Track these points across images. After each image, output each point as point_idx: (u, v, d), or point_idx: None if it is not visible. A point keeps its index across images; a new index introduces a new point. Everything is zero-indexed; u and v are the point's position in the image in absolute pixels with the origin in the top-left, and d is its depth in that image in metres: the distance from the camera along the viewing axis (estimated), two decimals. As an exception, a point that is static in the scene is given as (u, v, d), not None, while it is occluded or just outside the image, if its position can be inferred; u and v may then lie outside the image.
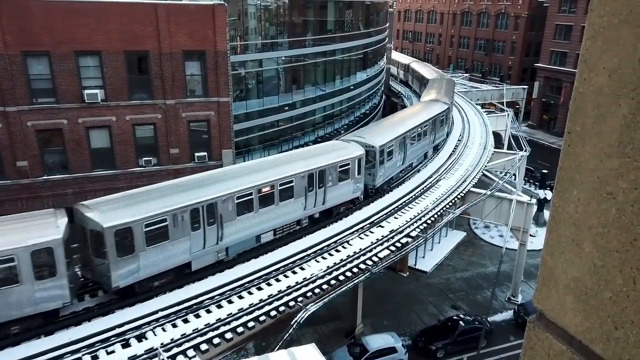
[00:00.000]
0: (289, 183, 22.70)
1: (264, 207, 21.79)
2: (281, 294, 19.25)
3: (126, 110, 25.99)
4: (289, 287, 19.69)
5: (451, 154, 36.97)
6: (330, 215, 25.53)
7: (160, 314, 17.59)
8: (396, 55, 77.08)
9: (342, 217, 25.69)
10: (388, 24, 61.67)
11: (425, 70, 59.74)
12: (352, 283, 21.18)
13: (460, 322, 27.07)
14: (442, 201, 28.41)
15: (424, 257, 35.37)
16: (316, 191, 24.16)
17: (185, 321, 17.45)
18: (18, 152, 24.22)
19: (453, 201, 28.97)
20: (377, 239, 23.71)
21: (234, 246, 21.16)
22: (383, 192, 29.23)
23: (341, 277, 20.84)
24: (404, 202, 28.02)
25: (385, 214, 26.43)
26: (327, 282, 20.36)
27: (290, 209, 23.05)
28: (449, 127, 40.84)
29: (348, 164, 25.44)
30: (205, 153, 28.10)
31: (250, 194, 21.08)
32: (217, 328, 17.20)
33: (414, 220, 25.86)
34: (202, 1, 28.15)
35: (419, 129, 32.99)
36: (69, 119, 24.88)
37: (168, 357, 15.54)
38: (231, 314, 17.94)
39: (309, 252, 22.36)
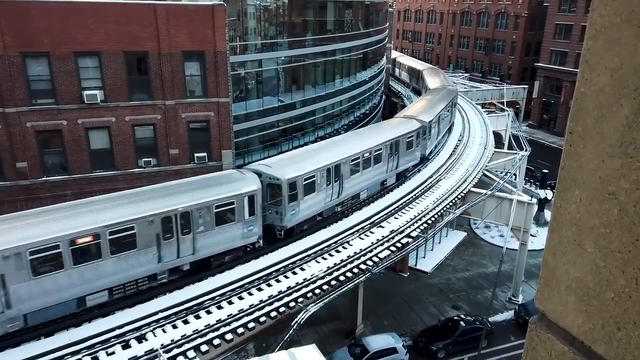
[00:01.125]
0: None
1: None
2: (281, 295, 19.25)
3: (126, 111, 25.98)
4: (289, 288, 19.69)
5: (451, 154, 36.98)
6: (207, 268, 20.63)
7: (161, 314, 17.59)
8: (406, 60, 69.87)
9: (223, 270, 20.64)
10: (388, 24, 61.67)
11: (433, 80, 52.11)
12: (353, 283, 21.19)
13: (461, 323, 27.07)
14: (442, 201, 28.41)
15: (424, 257, 35.38)
16: (178, 239, 19.18)
17: (186, 322, 17.46)
18: (17, 153, 24.22)
19: (453, 201, 28.97)
20: (378, 239, 23.70)
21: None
22: (383, 193, 29.20)
23: (341, 278, 20.85)
24: (404, 202, 28.02)
25: (386, 214, 26.43)
26: (328, 283, 20.36)
27: (130, 264, 18.18)
28: (425, 148, 33.94)
29: (232, 203, 20.71)
30: (205, 154, 28.10)
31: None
32: (218, 329, 17.20)
33: (414, 220, 25.86)
34: (201, 1, 28.15)
35: (368, 154, 27.39)
36: (69, 119, 24.88)
37: (168, 358, 15.54)
38: (231, 314, 17.94)
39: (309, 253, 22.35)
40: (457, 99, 46.46)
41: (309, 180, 23.46)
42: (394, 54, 72.84)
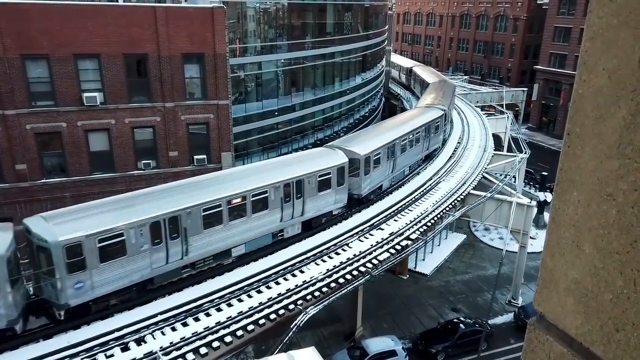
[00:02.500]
0: None
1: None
2: (281, 297, 19.22)
3: (125, 113, 25.98)
4: (288, 290, 19.65)
5: (451, 156, 36.98)
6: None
7: (160, 317, 17.55)
8: (422, 72, 59.31)
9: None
10: (387, 27, 61.77)
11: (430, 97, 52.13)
12: (352, 286, 21.15)
13: (461, 325, 27.04)
14: (442, 203, 28.40)
15: (424, 259, 35.35)
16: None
17: (185, 324, 17.42)
18: (17, 155, 24.21)
19: (453, 203, 28.96)
20: (377, 242, 23.69)
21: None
22: (383, 195, 29.23)
23: (341, 280, 20.82)
24: (404, 204, 28.01)
25: (385, 216, 26.42)
26: (327, 285, 20.33)
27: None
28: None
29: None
30: (204, 156, 28.10)
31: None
32: (217, 331, 17.16)
33: (413, 222, 25.85)
34: (201, 4, 28.19)
35: (411, 136, 31.51)
36: (68, 122, 24.88)
37: (167, 361, 15.50)
38: (231, 317, 17.90)
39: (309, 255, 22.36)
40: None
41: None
42: (407, 62, 71.36)
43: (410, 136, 31.54)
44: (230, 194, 20.45)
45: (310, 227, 24.38)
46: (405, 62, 73.57)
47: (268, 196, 21.95)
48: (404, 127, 31.81)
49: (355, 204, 26.97)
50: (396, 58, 77.18)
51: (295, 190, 22.78)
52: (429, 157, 36.05)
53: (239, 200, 20.78)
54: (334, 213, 25.68)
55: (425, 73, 58.59)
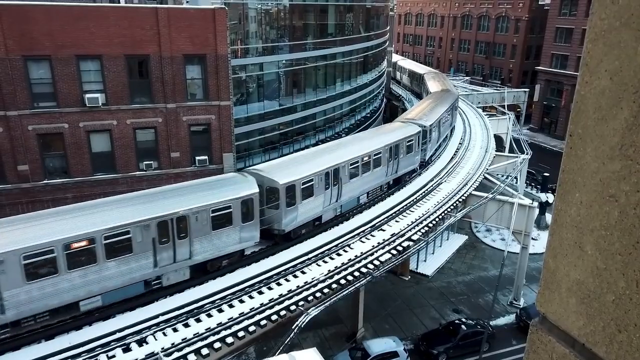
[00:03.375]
0: None
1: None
2: (282, 298, 19.22)
3: (127, 114, 26.02)
4: (290, 291, 19.66)
5: (452, 157, 36.97)
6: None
7: (161, 318, 17.57)
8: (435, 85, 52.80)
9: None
10: (389, 28, 61.77)
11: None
12: (354, 287, 21.15)
13: (462, 326, 27.00)
14: (443, 204, 28.39)
15: (425, 260, 35.32)
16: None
17: (186, 325, 17.43)
18: (19, 156, 24.25)
19: (454, 204, 28.95)
20: (379, 243, 23.68)
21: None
22: (384, 197, 29.18)
23: (342, 281, 20.82)
24: (405, 205, 28.00)
25: (387, 217, 26.41)
26: (329, 286, 20.33)
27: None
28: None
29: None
30: (206, 157, 28.13)
31: None
32: (218, 332, 17.17)
33: (415, 223, 25.84)
34: (202, 5, 28.23)
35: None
36: (70, 123, 24.93)
37: (169, 362, 15.50)
38: (232, 318, 17.91)
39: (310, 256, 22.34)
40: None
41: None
42: (419, 68, 66.84)
43: (366, 158, 27.35)
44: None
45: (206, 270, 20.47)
46: (415, 67, 67.72)
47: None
48: (359, 146, 27.79)
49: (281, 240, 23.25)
50: (405, 62, 72.71)
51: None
52: (398, 181, 31.35)
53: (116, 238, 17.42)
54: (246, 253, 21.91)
55: (433, 82, 53.02)
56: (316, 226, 25.04)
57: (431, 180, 32.08)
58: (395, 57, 76.43)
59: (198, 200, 19.41)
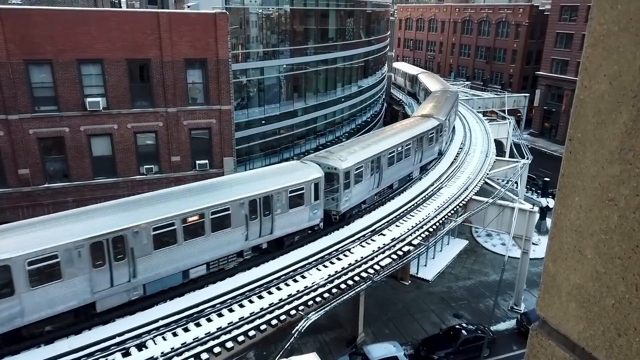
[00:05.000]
0: None
1: None
2: (282, 303, 19.18)
3: (128, 118, 26.07)
4: (290, 296, 19.61)
5: (453, 162, 36.97)
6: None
7: (161, 322, 17.53)
8: (426, 79, 58.17)
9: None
10: (389, 32, 61.95)
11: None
12: (354, 291, 21.10)
13: (463, 331, 26.91)
14: (444, 209, 28.36)
15: (425, 265, 35.26)
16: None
17: (186, 330, 17.38)
18: (20, 160, 24.28)
19: (455, 209, 28.92)
20: (379, 247, 23.65)
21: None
22: (385, 200, 29.21)
23: (343, 286, 20.77)
24: (406, 210, 27.98)
25: (387, 221, 26.38)
26: (329, 291, 20.29)
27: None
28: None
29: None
30: (206, 161, 28.15)
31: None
32: (218, 337, 17.13)
33: (415, 228, 25.81)
34: (203, 10, 28.33)
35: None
36: (71, 126, 24.97)
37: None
38: (232, 322, 17.87)
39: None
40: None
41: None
42: (412, 69, 69.31)
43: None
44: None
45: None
46: (411, 69, 71.42)
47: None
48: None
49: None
50: (401, 65, 76.00)
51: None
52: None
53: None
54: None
55: (429, 80, 57.57)
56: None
57: (431, 184, 32.08)
58: (397, 64, 77.13)
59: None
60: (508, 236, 30.86)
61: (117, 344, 16.31)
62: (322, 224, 24.44)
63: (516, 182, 38.69)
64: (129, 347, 16.28)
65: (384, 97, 62.73)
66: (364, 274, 21.65)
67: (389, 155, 29.03)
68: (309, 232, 24.21)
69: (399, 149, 30.17)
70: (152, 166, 27.04)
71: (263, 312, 18.54)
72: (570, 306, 1.54)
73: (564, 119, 65.06)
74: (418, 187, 31.64)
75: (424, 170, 34.71)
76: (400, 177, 31.40)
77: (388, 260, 22.91)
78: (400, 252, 23.65)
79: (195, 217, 19.31)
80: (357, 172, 25.79)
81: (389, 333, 28.27)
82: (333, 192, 24.66)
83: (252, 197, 20.94)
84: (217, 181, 22.50)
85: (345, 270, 21.59)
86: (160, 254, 18.41)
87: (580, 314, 1.50)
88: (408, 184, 31.96)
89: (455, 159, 37.82)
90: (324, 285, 20.46)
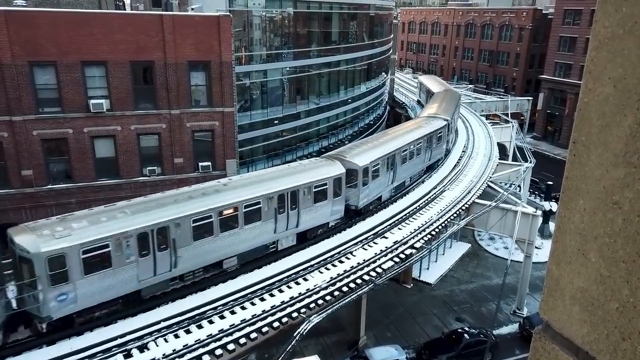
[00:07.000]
0: None
1: None
2: (284, 305, 19.16)
3: (131, 120, 26.13)
4: (292, 298, 19.59)
5: (455, 165, 36.92)
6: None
7: (163, 324, 17.52)
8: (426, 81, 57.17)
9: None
10: (392, 35, 61.98)
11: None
12: (356, 294, 21.06)
13: (465, 335, 26.83)
14: (446, 212, 28.31)
15: (428, 268, 35.19)
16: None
17: (188, 332, 17.38)
18: (23, 161, 24.35)
19: (457, 212, 28.87)
20: (381, 250, 23.61)
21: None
22: (389, 203, 29.19)
23: (345, 289, 20.73)
24: (408, 213, 27.94)
25: (390, 224, 26.35)
26: (331, 294, 20.25)
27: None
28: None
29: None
30: (209, 163, 28.18)
31: None
32: (220, 339, 17.11)
33: (418, 231, 25.76)
34: (207, 12, 28.41)
35: None
36: (74, 128, 25.03)
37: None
38: (234, 324, 17.85)
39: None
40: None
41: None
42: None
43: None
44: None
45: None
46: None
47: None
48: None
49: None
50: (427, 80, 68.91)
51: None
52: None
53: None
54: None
55: (430, 82, 57.77)
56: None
57: (434, 187, 32.04)
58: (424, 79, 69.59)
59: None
60: (511, 240, 30.78)
61: (119, 346, 16.31)
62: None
63: (519, 186, 38.61)
64: (131, 349, 16.28)
65: (387, 99, 62.73)
66: (366, 277, 21.61)
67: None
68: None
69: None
70: (155, 168, 27.09)
71: (265, 315, 18.52)
72: (574, 310, 1.53)
73: (567, 122, 64.92)
74: (420, 190, 31.78)
75: (431, 169, 35.49)
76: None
77: (390, 263, 22.87)
78: (402, 255, 23.61)
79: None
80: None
81: (391, 336, 28.20)
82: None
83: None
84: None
85: (348, 273, 21.55)
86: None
87: (584, 318, 1.49)
88: (408, 187, 32.27)
89: (458, 162, 37.75)
90: (326, 288, 20.43)
